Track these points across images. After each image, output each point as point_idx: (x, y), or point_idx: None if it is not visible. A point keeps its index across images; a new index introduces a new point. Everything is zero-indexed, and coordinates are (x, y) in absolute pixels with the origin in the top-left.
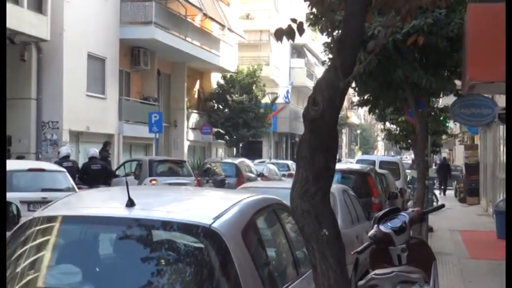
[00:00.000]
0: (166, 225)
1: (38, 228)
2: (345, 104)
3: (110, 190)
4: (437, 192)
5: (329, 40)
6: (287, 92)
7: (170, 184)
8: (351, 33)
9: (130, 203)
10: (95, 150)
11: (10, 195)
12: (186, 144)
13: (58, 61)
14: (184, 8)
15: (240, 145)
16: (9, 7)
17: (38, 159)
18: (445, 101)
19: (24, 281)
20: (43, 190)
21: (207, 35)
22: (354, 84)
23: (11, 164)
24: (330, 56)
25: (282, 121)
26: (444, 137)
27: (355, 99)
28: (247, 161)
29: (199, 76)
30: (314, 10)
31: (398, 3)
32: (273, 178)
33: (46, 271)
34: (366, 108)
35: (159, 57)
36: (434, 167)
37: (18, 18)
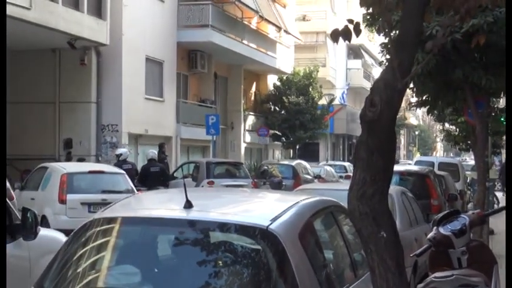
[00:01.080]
0: (224, 226)
1: (98, 229)
2: (403, 104)
3: (168, 192)
4: (499, 194)
5: (386, 40)
6: (343, 93)
7: (227, 186)
8: (408, 33)
9: (188, 205)
10: (154, 152)
11: (71, 197)
12: (243, 146)
13: (117, 65)
14: (240, 10)
15: (297, 147)
16: (70, 12)
17: (98, 161)
18: None
19: (84, 281)
20: (103, 192)
21: (263, 37)
22: (411, 85)
23: (72, 166)
24: (388, 56)
25: (339, 122)
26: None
27: (413, 100)
28: (304, 163)
29: (255, 78)
30: (371, 10)
31: (456, 2)
32: (330, 180)
33: (106, 271)
34: (424, 109)
35: (215, 60)
36: (496, 168)
37: (78, 23)
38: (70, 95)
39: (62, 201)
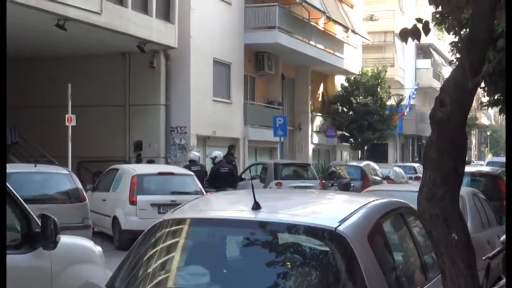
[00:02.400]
0: (292, 228)
1: (167, 230)
2: (474, 104)
3: (236, 193)
4: None
5: (456, 39)
6: (409, 97)
7: (295, 187)
8: (479, 31)
9: (256, 206)
10: (220, 154)
11: (141, 198)
12: (311, 147)
13: (185, 67)
14: (307, 11)
15: (365, 148)
16: (139, 17)
17: (167, 163)
18: None
19: (155, 281)
20: (172, 193)
21: (330, 37)
22: (482, 84)
23: (142, 168)
24: (458, 55)
25: (408, 123)
26: None
27: (485, 99)
28: (373, 164)
29: (323, 79)
30: (440, 9)
31: None
32: (399, 181)
33: (175, 272)
34: (496, 109)
35: (283, 61)
36: None
37: (147, 27)
38: (140, 97)
39: (133, 202)
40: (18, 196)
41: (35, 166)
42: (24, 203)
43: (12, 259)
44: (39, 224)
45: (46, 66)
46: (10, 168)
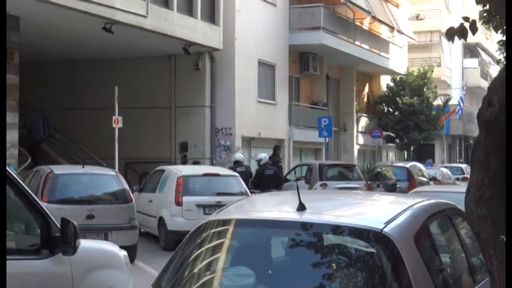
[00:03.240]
0: (337, 229)
1: (212, 231)
2: None
3: (281, 194)
4: None
5: (504, 38)
6: (461, 100)
7: (340, 188)
8: None
9: (301, 207)
10: (265, 156)
11: (187, 199)
12: (356, 148)
13: (230, 69)
14: (352, 11)
15: (411, 148)
16: (184, 19)
17: (212, 164)
18: None
19: (200, 282)
20: (217, 194)
21: (375, 37)
22: None
23: (188, 169)
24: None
25: (455, 123)
26: None
27: None
28: (419, 165)
29: (368, 79)
30: (487, 7)
31: None
32: (446, 182)
33: (221, 272)
34: None
35: (327, 62)
36: None
37: (193, 29)
38: (185, 99)
39: (178, 203)
40: (37, 199)
41: (83, 167)
42: (43, 206)
43: (31, 264)
44: (59, 228)
45: (94, 69)
46: (59, 169)
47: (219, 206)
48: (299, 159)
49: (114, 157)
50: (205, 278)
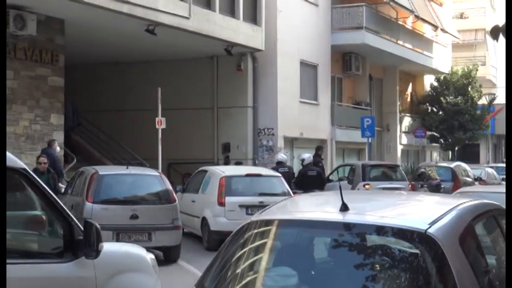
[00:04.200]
0: (380, 230)
1: (255, 231)
2: None
3: (324, 195)
4: None
5: None
6: None
7: (383, 189)
8: None
9: (344, 208)
10: (309, 156)
11: (230, 200)
12: (399, 148)
13: (272, 69)
14: (395, 11)
15: (456, 148)
16: (226, 20)
17: (254, 164)
18: None
19: (243, 282)
20: (260, 194)
21: (419, 37)
22: None
23: (230, 170)
24: None
25: (501, 123)
26: None
27: None
28: (464, 165)
29: (411, 79)
30: None
31: None
32: (491, 182)
33: (264, 273)
34: None
35: (370, 62)
36: None
37: (235, 30)
38: (227, 100)
39: (221, 203)
40: (59, 201)
41: (127, 168)
42: (66, 208)
43: (55, 268)
44: (82, 230)
45: (136, 71)
46: (103, 170)
47: (261, 206)
48: (341, 159)
49: (157, 158)
50: (248, 278)
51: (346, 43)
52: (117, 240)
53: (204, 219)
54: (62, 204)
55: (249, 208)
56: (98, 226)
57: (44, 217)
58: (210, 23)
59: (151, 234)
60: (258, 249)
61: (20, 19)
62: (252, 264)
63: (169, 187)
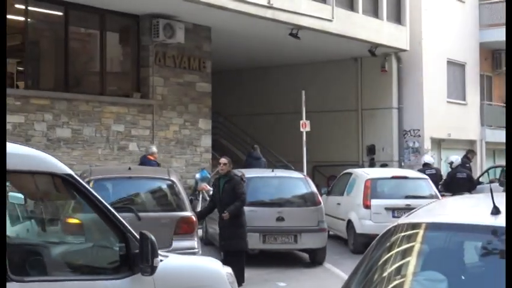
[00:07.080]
0: None
1: (402, 234)
2: None
3: (474, 197)
4: None
5: None
6: None
7: None
8: None
9: (496, 211)
10: (458, 158)
11: (375, 202)
12: None
13: (417, 70)
14: None
15: None
16: (369, 21)
17: (400, 166)
18: None
19: (390, 286)
20: (406, 197)
21: None
22: None
23: (376, 172)
24: None
25: None
26: None
27: None
28: None
29: None
30: None
31: None
32: None
33: (411, 277)
34: None
35: None
36: None
37: (378, 31)
38: (372, 101)
39: (367, 206)
40: (115, 212)
41: (273, 171)
42: (122, 219)
43: (111, 285)
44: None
45: (281, 75)
46: (250, 173)
47: (408, 209)
48: (492, 160)
49: (302, 160)
50: (395, 282)
51: (495, 40)
52: (263, 242)
53: (349, 222)
54: (114, 211)
55: (395, 211)
56: (154, 238)
57: (98, 228)
58: (353, 25)
59: (297, 236)
60: (405, 253)
61: (169, 28)
62: (399, 268)
63: (315, 189)
